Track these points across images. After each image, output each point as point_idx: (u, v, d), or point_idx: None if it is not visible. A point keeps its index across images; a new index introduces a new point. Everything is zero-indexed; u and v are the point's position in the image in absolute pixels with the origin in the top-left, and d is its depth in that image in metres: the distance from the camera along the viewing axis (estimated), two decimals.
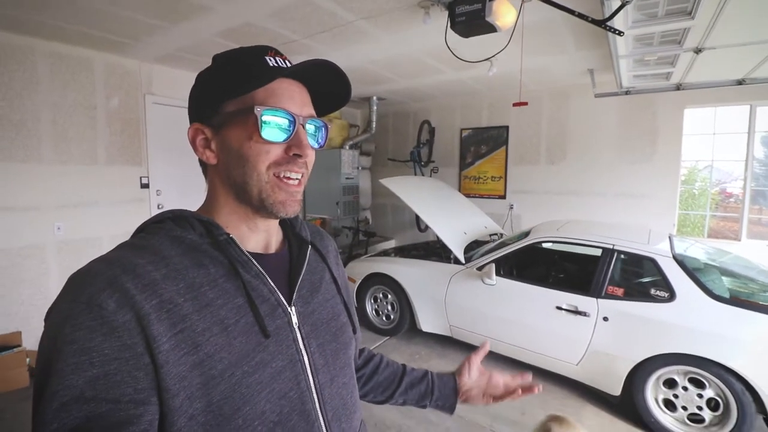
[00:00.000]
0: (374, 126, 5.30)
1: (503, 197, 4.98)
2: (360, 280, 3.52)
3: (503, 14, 2.07)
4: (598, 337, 2.37)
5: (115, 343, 0.41)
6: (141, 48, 3.07)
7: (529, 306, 2.65)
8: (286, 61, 0.56)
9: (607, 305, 2.37)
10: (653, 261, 2.34)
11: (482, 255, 3.02)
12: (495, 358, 2.88)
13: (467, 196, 4.88)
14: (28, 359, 2.71)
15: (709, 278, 2.28)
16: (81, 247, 3.13)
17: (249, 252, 0.55)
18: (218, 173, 0.56)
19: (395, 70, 3.83)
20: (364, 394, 0.81)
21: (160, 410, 0.43)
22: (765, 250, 3.60)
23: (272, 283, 0.55)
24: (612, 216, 4.23)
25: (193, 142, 0.56)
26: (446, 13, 2.21)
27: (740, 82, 3.23)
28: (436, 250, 3.66)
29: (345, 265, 3.71)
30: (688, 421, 2.16)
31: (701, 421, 2.13)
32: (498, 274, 2.80)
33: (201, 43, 2.93)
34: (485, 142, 5.06)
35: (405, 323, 3.31)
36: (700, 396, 2.11)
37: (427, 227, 5.01)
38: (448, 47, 2.54)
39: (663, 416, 2.21)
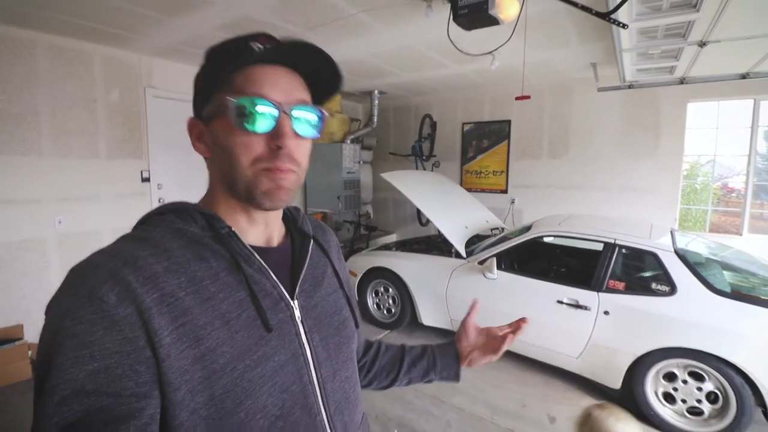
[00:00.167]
0: (375, 120, 5.28)
1: (505, 192, 4.97)
2: (361, 274, 3.53)
3: (506, 7, 2.05)
4: (598, 331, 2.38)
5: (116, 336, 0.41)
6: (141, 41, 3.05)
7: (530, 300, 2.65)
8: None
9: (608, 299, 2.37)
10: (655, 255, 2.34)
11: (483, 249, 3.03)
12: None
13: (469, 190, 4.86)
14: (30, 352, 2.73)
15: (711, 272, 2.28)
16: (82, 241, 3.14)
17: (251, 246, 0.55)
18: (213, 166, 0.55)
19: (397, 64, 3.80)
20: (368, 382, 0.81)
21: (162, 404, 0.43)
22: (766, 245, 3.60)
23: (275, 277, 0.55)
24: (614, 210, 4.22)
25: (190, 136, 0.56)
26: (449, 5, 2.19)
27: (744, 77, 3.21)
28: (437, 244, 3.66)
29: (346, 259, 3.71)
30: (687, 414, 2.18)
31: (700, 413, 2.14)
32: (499, 268, 2.80)
33: (201, 36, 2.91)
34: (487, 137, 5.04)
35: (406, 317, 3.32)
36: (700, 389, 2.12)
37: (428, 221, 5.01)
38: (451, 40, 2.52)
39: (663, 409, 2.23)
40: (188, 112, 0.58)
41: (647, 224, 2.86)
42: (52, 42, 2.88)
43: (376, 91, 5.08)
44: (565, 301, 2.50)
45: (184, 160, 3.66)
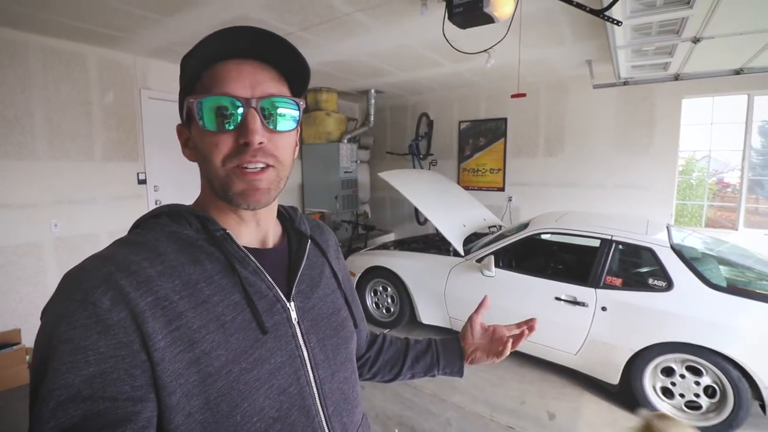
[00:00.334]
0: (372, 119, 5.27)
1: (502, 189, 4.98)
2: (360, 274, 3.53)
3: (501, 5, 2.06)
4: (596, 327, 2.39)
5: (111, 341, 0.41)
6: (135, 42, 3.04)
7: (528, 297, 2.66)
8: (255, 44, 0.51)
9: (605, 295, 2.38)
10: (651, 251, 2.35)
11: (481, 247, 3.03)
12: None
13: (466, 188, 4.88)
14: (27, 356, 2.71)
15: (707, 267, 2.29)
16: (78, 244, 3.12)
17: (246, 247, 0.54)
18: (200, 170, 0.55)
19: (393, 63, 3.80)
20: (372, 375, 0.81)
21: (158, 408, 0.43)
22: (762, 239, 3.62)
23: (270, 279, 0.55)
24: (610, 207, 4.24)
25: (180, 141, 0.56)
26: (444, 4, 2.19)
27: (738, 72, 3.23)
28: (435, 243, 3.67)
29: (345, 258, 3.71)
30: (685, 408, 2.19)
31: (698, 408, 2.16)
32: (497, 265, 2.81)
33: (197, 36, 2.84)
34: (484, 135, 5.05)
35: (405, 316, 3.33)
36: (698, 383, 2.14)
37: (426, 220, 5.01)
38: (446, 39, 2.52)
39: (661, 404, 2.24)
40: None
41: (643, 220, 2.87)
42: (46, 44, 2.86)
43: (372, 91, 5.07)
44: (562, 297, 2.51)
45: (180, 162, 3.62)
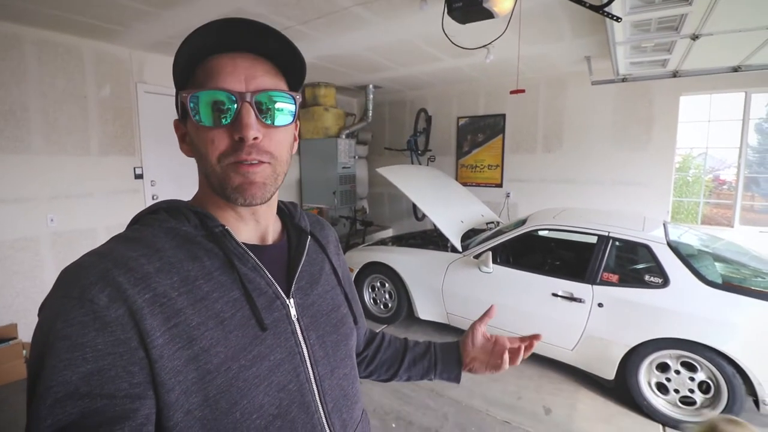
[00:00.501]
0: (371, 115, 5.25)
1: (500, 186, 4.98)
2: (358, 269, 3.53)
3: (501, 0, 2.05)
4: (593, 323, 2.40)
5: (109, 338, 0.41)
6: (131, 35, 3.01)
7: (525, 293, 2.67)
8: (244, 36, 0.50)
9: (602, 291, 2.40)
10: (648, 248, 2.36)
11: (479, 243, 3.04)
12: None
13: (464, 184, 4.88)
14: (24, 351, 2.71)
15: (703, 264, 2.31)
16: (75, 239, 3.11)
17: (245, 244, 0.54)
18: (197, 165, 0.55)
19: (392, 58, 3.78)
20: (368, 375, 0.81)
21: (156, 405, 0.43)
22: (757, 236, 3.65)
23: (269, 275, 0.54)
24: (608, 204, 4.25)
25: (177, 137, 0.56)
26: None
27: (736, 69, 3.23)
28: (433, 239, 3.67)
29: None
30: (680, 404, 2.21)
31: (693, 403, 2.18)
32: (495, 261, 2.82)
33: (192, 30, 2.85)
34: (482, 131, 5.04)
35: (402, 311, 3.34)
36: (692, 379, 2.16)
37: (424, 216, 5.02)
38: (445, 34, 2.51)
39: (656, 399, 2.26)
40: None
41: (640, 217, 2.89)
42: (41, 37, 2.83)
43: (371, 86, 5.05)
44: (559, 293, 2.52)
45: (177, 157, 3.61)
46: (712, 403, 2.13)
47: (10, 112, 2.72)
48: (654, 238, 2.38)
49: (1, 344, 2.63)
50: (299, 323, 0.56)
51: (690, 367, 2.17)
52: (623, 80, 3.68)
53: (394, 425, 2.23)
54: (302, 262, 0.60)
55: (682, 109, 3.88)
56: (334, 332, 0.61)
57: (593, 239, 2.59)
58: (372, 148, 5.99)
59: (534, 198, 4.72)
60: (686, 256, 2.28)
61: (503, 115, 4.85)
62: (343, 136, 5.13)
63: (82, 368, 0.40)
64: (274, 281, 0.55)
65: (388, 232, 5.77)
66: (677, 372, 2.20)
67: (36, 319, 0.44)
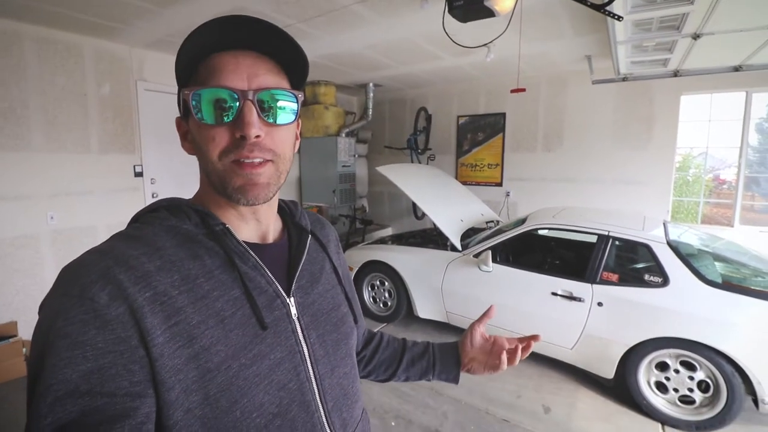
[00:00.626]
0: (371, 113, 5.25)
1: (500, 184, 4.98)
2: (357, 268, 3.53)
3: None
4: (592, 322, 2.40)
5: (109, 336, 0.41)
6: (131, 33, 3.00)
7: (525, 292, 2.67)
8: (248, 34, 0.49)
9: (601, 291, 2.40)
10: (648, 247, 2.36)
11: (479, 242, 3.04)
12: None
13: (464, 183, 4.88)
14: (24, 349, 2.71)
15: (702, 264, 2.31)
16: (75, 237, 3.11)
17: (246, 242, 0.54)
18: (199, 163, 0.54)
19: (392, 56, 3.77)
20: (366, 374, 0.81)
21: (157, 403, 0.43)
22: (757, 236, 3.65)
23: (270, 274, 0.54)
24: (608, 203, 4.25)
25: (179, 135, 0.56)
26: None
27: (737, 69, 3.22)
28: (432, 238, 3.67)
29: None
30: (679, 403, 2.21)
31: (692, 402, 2.18)
32: (494, 260, 2.82)
33: (192, 27, 2.84)
34: (482, 130, 5.04)
35: (402, 310, 3.34)
36: (691, 378, 2.16)
37: (423, 215, 5.02)
38: (446, 32, 2.50)
39: (655, 398, 2.26)
40: None
41: (640, 216, 2.89)
42: (41, 34, 2.82)
43: (371, 84, 5.04)
44: (559, 292, 2.52)
45: (177, 155, 3.62)
46: (711, 402, 2.13)
47: (10, 110, 2.72)
48: (654, 237, 2.38)
49: (1, 342, 2.63)
50: (299, 322, 0.56)
51: (689, 366, 2.17)
52: (624, 79, 3.67)
53: (393, 424, 2.23)
54: (303, 261, 0.60)
55: (682, 108, 3.87)
56: (334, 331, 0.61)
57: (593, 238, 2.59)
58: (372, 147, 5.98)
59: (534, 197, 4.71)
60: (686, 256, 2.28)
61: (503, 114, 4.85)
62: (343, 135, 5.13)
63: (82, 366, 0.40)
64: (274, 280, 0.55)
65: (388, 231, 5.77)
66: (676, 371, 2.20)
67: (36, 317, 0.44)
